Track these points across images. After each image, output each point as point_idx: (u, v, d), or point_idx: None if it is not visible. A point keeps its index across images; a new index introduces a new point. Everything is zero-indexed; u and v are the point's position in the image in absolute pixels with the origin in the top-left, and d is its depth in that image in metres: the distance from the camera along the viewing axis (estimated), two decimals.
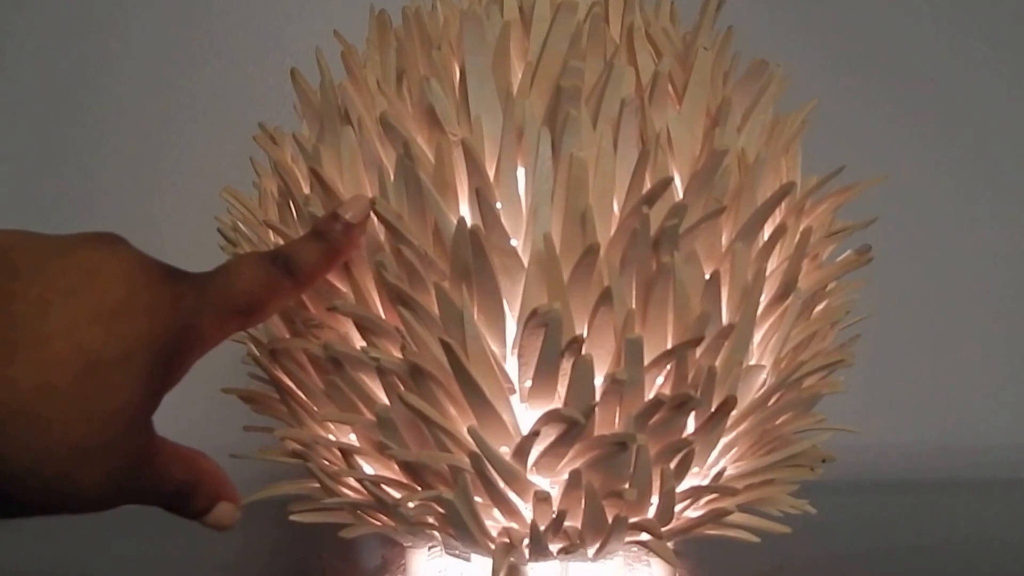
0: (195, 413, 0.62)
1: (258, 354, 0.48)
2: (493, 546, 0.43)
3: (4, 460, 0.29)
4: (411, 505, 0.43)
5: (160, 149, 0.80)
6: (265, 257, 0.38)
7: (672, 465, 0.42)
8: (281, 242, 0.45)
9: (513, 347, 0.42)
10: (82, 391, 0.30)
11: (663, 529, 0.43)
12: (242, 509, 0.40)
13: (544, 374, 0.40)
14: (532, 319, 0.39)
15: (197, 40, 0.80)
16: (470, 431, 0.40)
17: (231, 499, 0.39)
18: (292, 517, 0.49)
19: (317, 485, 0.47)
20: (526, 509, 0.43)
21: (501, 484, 0.41)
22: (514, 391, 0.42)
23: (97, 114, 0.80)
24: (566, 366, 0.39)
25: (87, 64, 0.80)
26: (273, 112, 0.55)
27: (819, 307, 0.49)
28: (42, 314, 0.30)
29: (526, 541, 0.42)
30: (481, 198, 0.40)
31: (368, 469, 0.45)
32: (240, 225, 0.49)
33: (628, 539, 0.44)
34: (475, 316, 0.40)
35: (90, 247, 0.32)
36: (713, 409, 0.41)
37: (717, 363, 0.41)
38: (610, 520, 0.41)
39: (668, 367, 0.41)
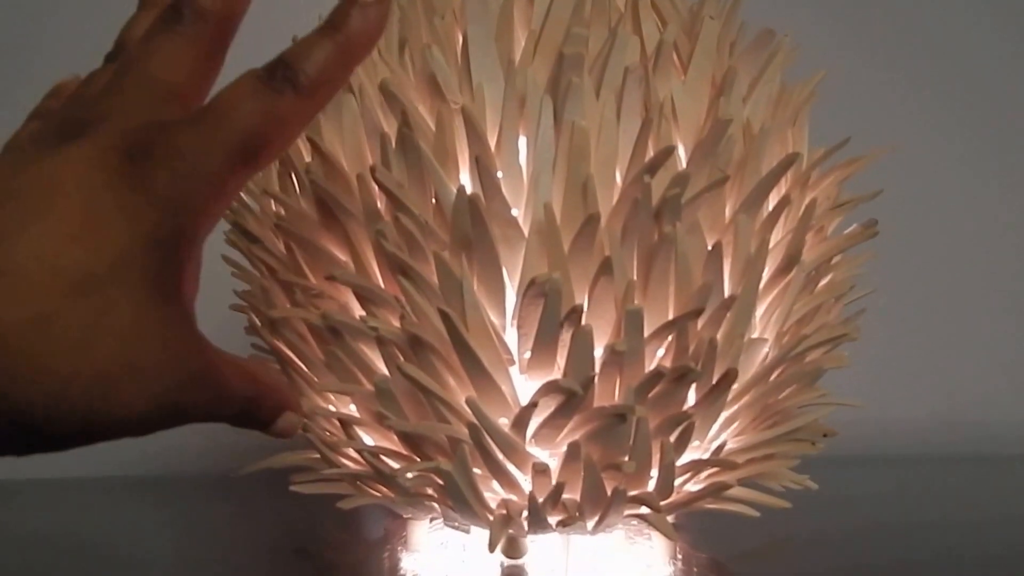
0: None
1: (259, 324, 0.48)
2: (491, 518, 0.43)
3: (16, 399, 0.27)
4: (409, 476, 0.43)
5: None
6: (258, 76, 0.30)
7: (672, 438, 0.41)
8: (283, 212, 0.45)
9: (513, 318, 0.41)
10: (80, 314, 0.27)
11: (663, 503, 0.43)
12: (301, 419, 0.39)
13: (543, 345, 0.40)
14: (531, 288, 0.38)
15: None
16: (468, 402, 0.40)
17: (294, 408, 0.38)
18: (292, 487, 0.49)
19: (317, 456, 0.47)
20: (525, 481, 0.43)
21: (500, 456, 0.41)
22: (513, 362, 0.42)
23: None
24: (565, 337, 0.39)
25: (90, 40, 0.79)
26: None
27: (824, 281, 0.48)
28: (5, 247, 0.27)
29: (525, 513, 0.42)
30: (481, 167, 0.39)
31: (368, 440, 0.45)
32: (241, 195, 0.48)
33: (627, 512, 0.44)
34: (475, 286, 0.40)
35: (35, 165, 0.28)
36: (714, 382, 0.41)
37: (718, 335, 0.41)
38: (609, 493, 0.41)
39: (669, 339, 0.41)
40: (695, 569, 0.52)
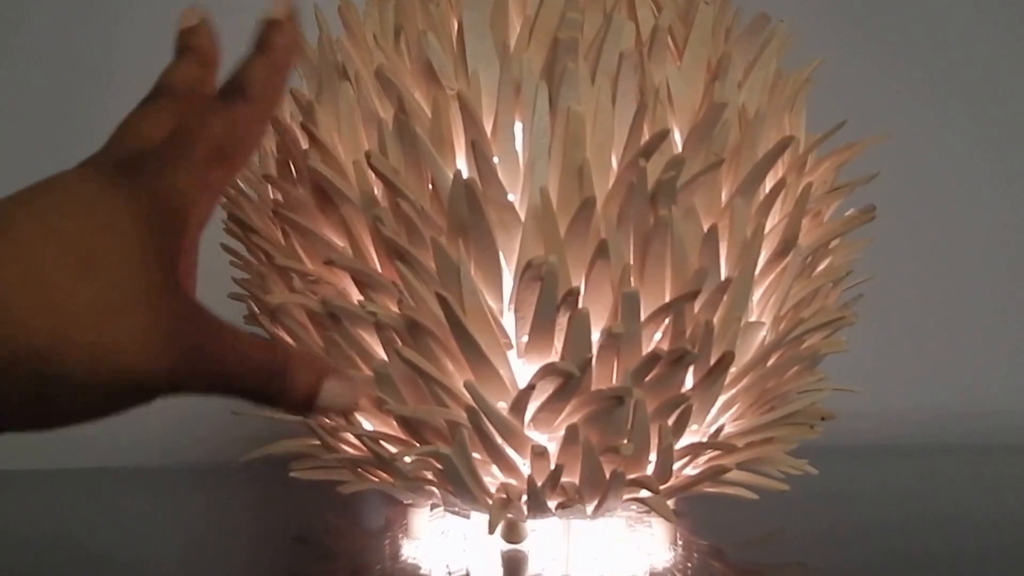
0: None
1: (257, 312, 0.48)
2: (491, 501, 0.43)
3: (13, 334, 0.27)
4: (408, 460, 0.43)
5: None
6: (211, 100, 0.35)
7: (670, 421, 0.41)
8: (281, 199, 0.45)
9: (510, 302, 0.41)
10: (71, 263, 0.28)
11: (662, 486, 0.43)
12: (355, 387, 0.35)
13: (541, 328, 0.40)
14: (528, 272, 0.39)
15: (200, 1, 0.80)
16: (467, 386, 0.40)
17: (339, 376, 0.34)
18: (292, 473, 0.49)
19: (317, 443, 0.47)
20: (524, 465, 0.43)
21: (498, 439, 0.41)
22: (511, 346, 0.42)
23: (102, 73, 0.80)
24: (562, 320, 0.39)
25: (92, 28, 0.80)
26: None
27: (821, 265, 0.48)
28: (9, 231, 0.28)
29: (524, 497, 0.42)
30: (478, 152, 0.39)
31: (367, 426, 0.45)
32: (239, 183, 0.48)
33: (627, 496, 0.44)
34: (472, 271, 0.40)
35: (44, 198, 0.30)
36: (711, 365, 0.41)
37: (715, 319, 0.41)
38: (608, 476, 0.41)
39: (666, 322, 0.41)
40: (695, 555, 0.53)
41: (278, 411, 0.34)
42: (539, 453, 0.41)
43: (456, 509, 0.47)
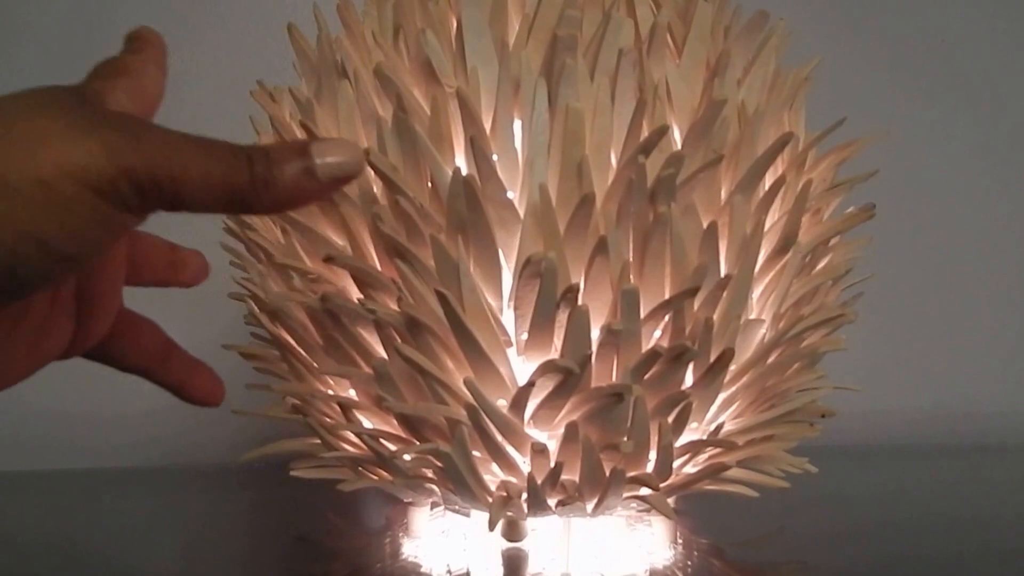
0: None
1: (257, 311, 0.48)
2: (491, 500, 0.43)
3: None
4: (408, 458, 0.43)
5: (163, 110, 0.79)
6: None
7: (670, 419, 0.41)
8: None
9: (510, 299, 0.41)
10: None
11: (661, 484, 0.43)
12: (349, 142, 0.31)
13: (540, 325, 0.40)
14: (527, 268, 0.39)
15: (200, 1, 0.80)
16: (466, 383, 0.40)
17: (323, 139, 0.31)
18: (293, 472, 0.49)
19: (317, 442, 0.47)
20: (524, 463, 0.43)
21: (498, 437, 0.41)
22: (511, 343, 0.42)
23: None
24: (562, 317, 0.39)
25: (91, 28, 0.80)
26: (276, 72, 0.55)
27: (821, 263, 0.48)
28: None
29: (524, 495, 0.42)
30: (476, 149, 0.39)
31: (367, 424, 0.45)
32: None
33: (626, 494, 0.44)
34: (471, 268, 0.40)
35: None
36: (711, 362, 0.41)
37: (715, 316, 0.41)
38: (608, 474, 0.41)
39: (665, 319, 0.41)
40: (695, 554, 0.53)
41: (275, 201, 0.30)
42: (539, 451, 0.41)
43: (456, 507, 0.47)
